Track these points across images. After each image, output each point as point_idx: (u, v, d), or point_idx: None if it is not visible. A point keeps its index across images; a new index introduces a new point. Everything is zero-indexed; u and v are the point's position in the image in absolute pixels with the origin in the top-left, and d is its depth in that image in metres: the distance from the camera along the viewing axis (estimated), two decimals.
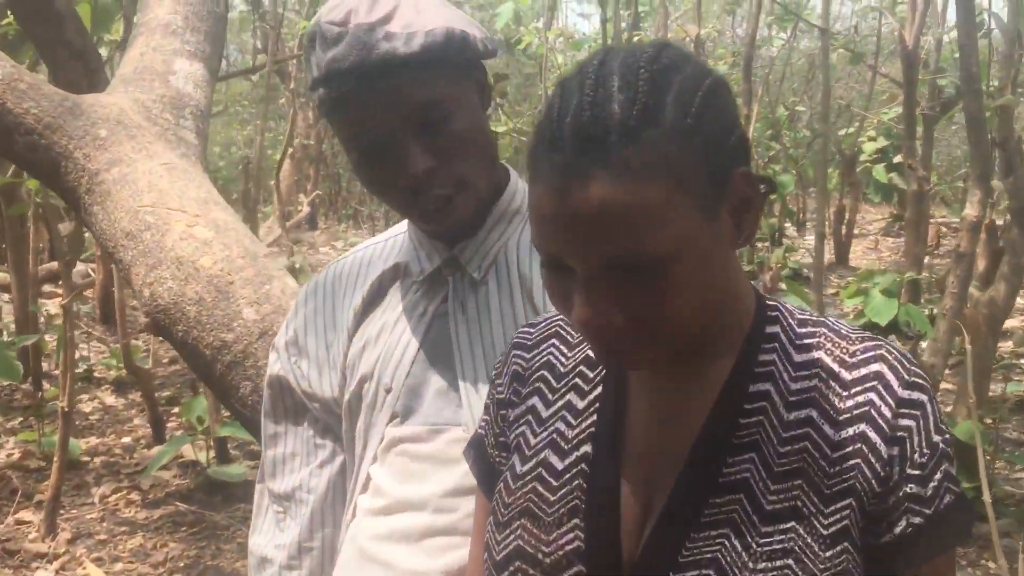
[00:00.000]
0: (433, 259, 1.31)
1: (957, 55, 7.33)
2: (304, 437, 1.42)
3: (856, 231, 9.61)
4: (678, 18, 9.23)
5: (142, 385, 4.71)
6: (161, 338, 1.77)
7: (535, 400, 0.99)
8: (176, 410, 5.03)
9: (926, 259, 6.98)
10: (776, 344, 0.92)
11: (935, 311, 5.99)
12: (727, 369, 0.91)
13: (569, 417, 0.96)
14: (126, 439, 4.82)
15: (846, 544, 0.86)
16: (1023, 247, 4.26)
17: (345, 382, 1.35)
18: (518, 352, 1.04)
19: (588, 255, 0.80)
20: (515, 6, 8.03)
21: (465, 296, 1.29)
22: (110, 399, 5.42)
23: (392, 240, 1.40)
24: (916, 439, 0.87)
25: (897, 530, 0.87)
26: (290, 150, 8.41)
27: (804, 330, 0.93)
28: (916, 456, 0.87)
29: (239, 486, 4.07)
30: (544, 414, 0.98)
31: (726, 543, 0.85)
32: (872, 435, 0.87)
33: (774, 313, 0.93)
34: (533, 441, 0.97)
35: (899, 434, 0.86)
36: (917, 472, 0.87)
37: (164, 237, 1.76)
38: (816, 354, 0.91)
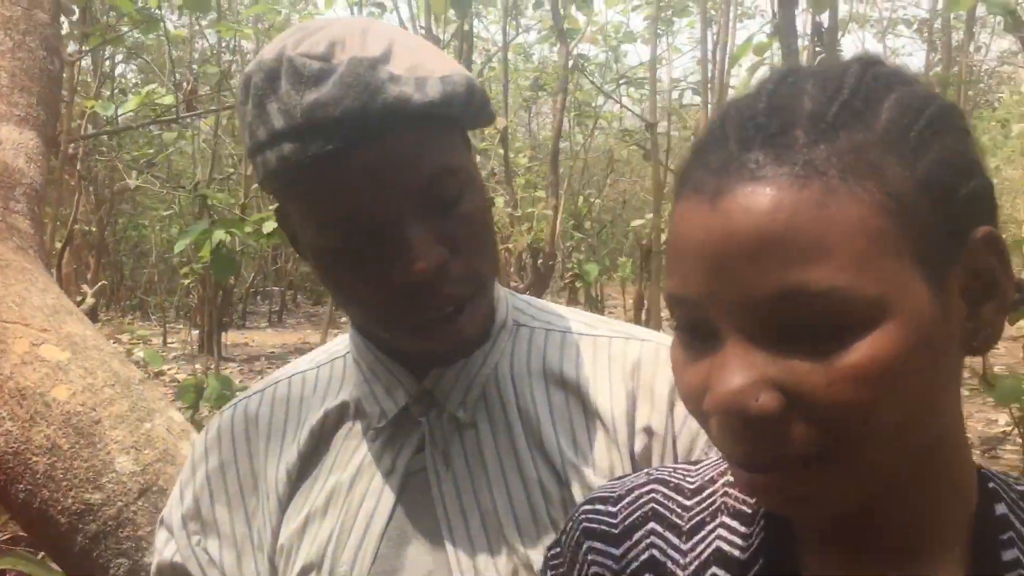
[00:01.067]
0: (396, 395, 0.93)
1: None
2: None
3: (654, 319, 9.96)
4: None
5: None
6: None
7: None
8: None
9: None
10: (1012, 533, 0.63)
11: None
12: (958, 572, 0.62)
13: None
14: None
15: None
16: None
17: (276, 572, 0.94)
18: (595, 545, 0.71)
19: (743, 292, 0.54)
20: None
21: (447, 444, 0.93)
22: None
23: (328, 367, 1.00)
24: None
25: None
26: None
27: None
28: None
29: None
30: None
31: None
32: None
33: (992, 484, 0.65)
34: None
35: None
36: None
37: None
38: None
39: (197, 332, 9.48)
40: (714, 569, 0.66)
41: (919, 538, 0.63)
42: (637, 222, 9.74)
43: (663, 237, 9.99)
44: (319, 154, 0.79)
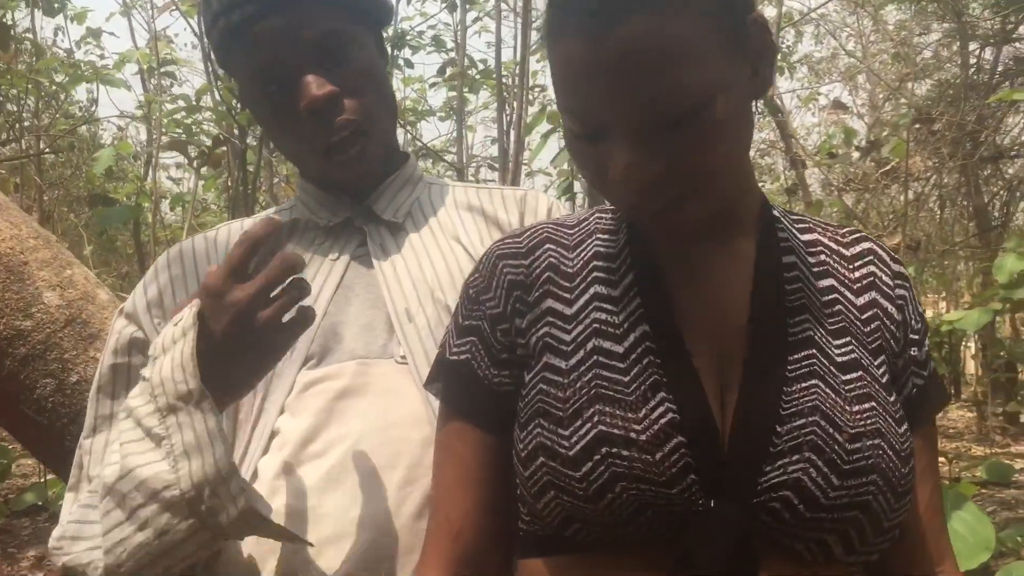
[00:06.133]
0: (339, 212, 1.27)
1: None
2: None
3: None
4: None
5: None
6: None
7: (550, 302, 0.93)
8: None
9: None
10: (784, 224, 0.97)
11: None
12: (752, 245, 0.93)
13: (607, 306, 0.91)
14: None
15: (895, 394, 0.90)
16: None
17: None
18: (509, 262, 0.97)
19: (629, 101, 0.78)
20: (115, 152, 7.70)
21: (384, 240, 1.26)
22: None
23: (276, 214, 1.33)
24: (911, 307, 0.96)
25: (905, 391, 0.93)
26: None
27: (795, 216, 0.99)
28: (913, 322, 0.95)
29: None
30: (568, 312, 0.92)
31: (819, 392, 0.85)
32: (883, 301, 0.94)
33: (769, 204, 0.98)
34: (569, 337, 0.90)
35: (899, 302, 0.95)
36: (915, 337, 0.95)
37: None
38: (815, 235, 0.98)
39: None
40: (596, 262, 0.95)
41: (728, 226, 0.93)
42: None
43: None
44: (237, 22, 1.19)
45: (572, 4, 0.79)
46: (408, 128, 9.35)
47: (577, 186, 5.93)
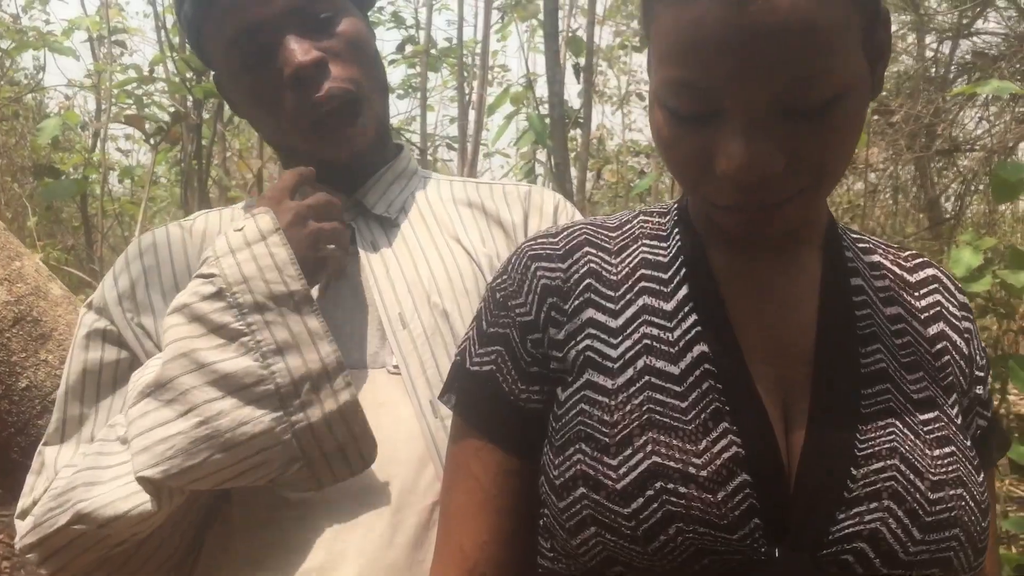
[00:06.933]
0: None
1: None
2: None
3: None
4: None
5: None
6: None
7: (591, 312, 0.84)
8: None
9: None
10: (848, 242, 0.89)
11: None
12: (816, 261, 0.85)
13: (659, 320, 0.82)
14: None
15: (969, 436, 0.83)
16: None
17: None
18: (543, 265, 0.87)
19: (767, 81, 0.68)
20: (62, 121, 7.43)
21: (374, 237, 1.15)
22: None
23: (249, 206, 1.21)
24: (976, 340, 0.88)
25: (969, 433, 0.85)
26: None
27: (855, 234, 0.91)
28: (978, 358, 0.88)
29: None
30: (614, 324, 0.83)
31: (897, 432, 0.77)
32: (952, 334, 0.87)
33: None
34: (615, 352, 0.81)
35: (966, 335, 0.88)
36: (981, 374, 0.87)
37: None
38: (877, 257, 0.90)
39: None
40: (642, 271, 0.86)
41: (795, 238, 0.85)
42: None
43: None
44: None
45: None
46: None
47: (539, 168, 5.84)
